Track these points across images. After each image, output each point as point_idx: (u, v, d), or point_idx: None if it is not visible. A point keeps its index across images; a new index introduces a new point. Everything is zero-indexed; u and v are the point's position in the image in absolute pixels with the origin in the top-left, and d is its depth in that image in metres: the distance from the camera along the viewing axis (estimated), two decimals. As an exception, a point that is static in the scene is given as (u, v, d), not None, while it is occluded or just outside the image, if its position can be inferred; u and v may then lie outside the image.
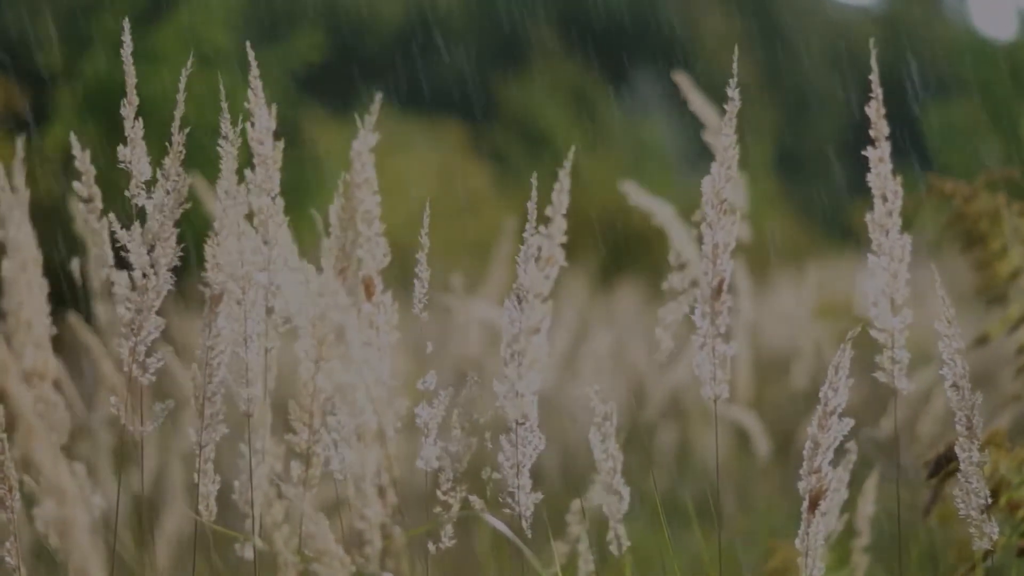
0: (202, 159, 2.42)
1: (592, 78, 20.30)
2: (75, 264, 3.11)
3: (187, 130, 2.35)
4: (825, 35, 24.78)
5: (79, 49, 10.57)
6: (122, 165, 2.36)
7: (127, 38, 2.36)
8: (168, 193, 2.34)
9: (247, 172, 2.35)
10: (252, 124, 2.37)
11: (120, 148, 2.35)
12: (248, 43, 2.37)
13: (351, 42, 19.83)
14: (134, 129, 2.35)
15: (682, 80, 4.14)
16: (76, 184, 2.52)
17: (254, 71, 2.36)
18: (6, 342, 2.73)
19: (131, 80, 2.35)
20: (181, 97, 2.34)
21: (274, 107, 2.38)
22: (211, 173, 2.52)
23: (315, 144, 11.49)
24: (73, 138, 2.52)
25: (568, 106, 19.59)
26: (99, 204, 2.53)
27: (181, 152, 2.34)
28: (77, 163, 2.51)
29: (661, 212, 3.71)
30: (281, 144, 2.38)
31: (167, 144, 2.36)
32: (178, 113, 2.34)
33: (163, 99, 2.37)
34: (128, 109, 2.35)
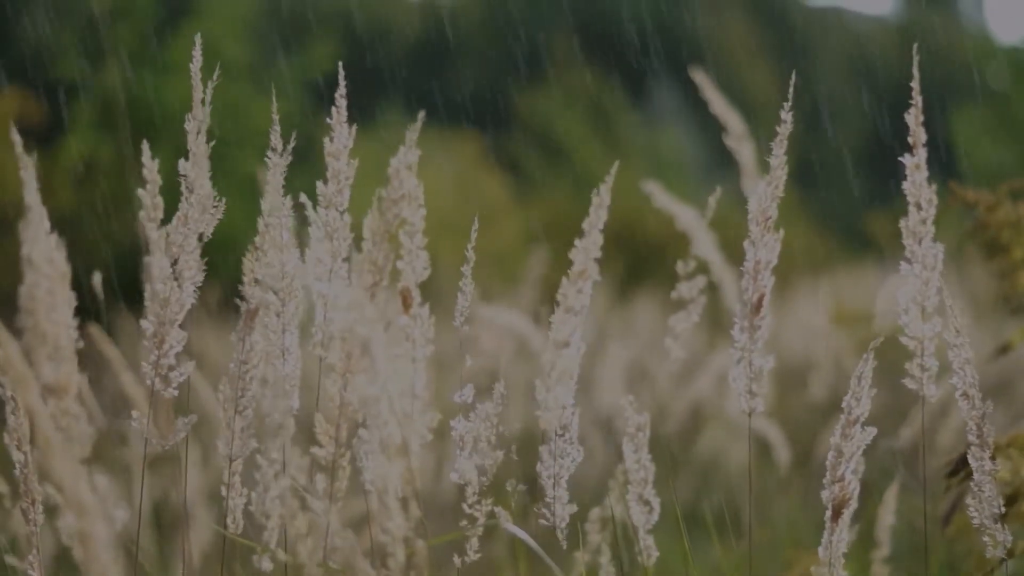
0: (216, 169, 2.40)
1: (609, 88, 20.29)
2: (96, 278, 3.11)
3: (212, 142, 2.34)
4: (843, 45, 24.75)
5: (96, 61, 10.59)
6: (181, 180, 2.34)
7: (197, 53, 2.34)
8: (192, 205, 2.33)
9: (319, 184, 2.34)
10: (331, 139, 2.36)
11: (181, 162, 2.33)
12: (340, 63, 2.36)
13: (366, 53, 19.83)
14: (198, 142, 2.34)
15: (703, 81, 4.12)
16: (140, 192, 2.51)
17: (341, 89, 2.34)
18: (27, 357, 2.73)
19: (198, 94, 2.34)
20: (200, 106, 2.33)
21: (354, 127, 2.37)
22: (224, 183, 2.51)
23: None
24: (145, 146, 2.51)
25: (585, 116, 19.57)
26: (160, 214, 2.53)
27: (206, 163, 2.33)
28: (145, 172, 2.50)
29: (684, 216, 3.71)
30: (355, 162, 2.37)
31: (185, 155, 2.34)
32: (198, 122, 2.33)
33: (179, 109, 2.35)
34: (193, 123, 2.33)
